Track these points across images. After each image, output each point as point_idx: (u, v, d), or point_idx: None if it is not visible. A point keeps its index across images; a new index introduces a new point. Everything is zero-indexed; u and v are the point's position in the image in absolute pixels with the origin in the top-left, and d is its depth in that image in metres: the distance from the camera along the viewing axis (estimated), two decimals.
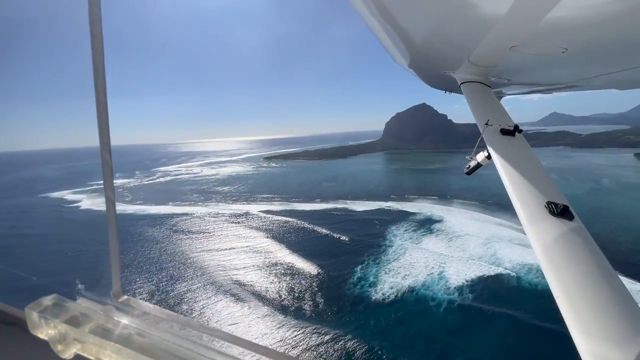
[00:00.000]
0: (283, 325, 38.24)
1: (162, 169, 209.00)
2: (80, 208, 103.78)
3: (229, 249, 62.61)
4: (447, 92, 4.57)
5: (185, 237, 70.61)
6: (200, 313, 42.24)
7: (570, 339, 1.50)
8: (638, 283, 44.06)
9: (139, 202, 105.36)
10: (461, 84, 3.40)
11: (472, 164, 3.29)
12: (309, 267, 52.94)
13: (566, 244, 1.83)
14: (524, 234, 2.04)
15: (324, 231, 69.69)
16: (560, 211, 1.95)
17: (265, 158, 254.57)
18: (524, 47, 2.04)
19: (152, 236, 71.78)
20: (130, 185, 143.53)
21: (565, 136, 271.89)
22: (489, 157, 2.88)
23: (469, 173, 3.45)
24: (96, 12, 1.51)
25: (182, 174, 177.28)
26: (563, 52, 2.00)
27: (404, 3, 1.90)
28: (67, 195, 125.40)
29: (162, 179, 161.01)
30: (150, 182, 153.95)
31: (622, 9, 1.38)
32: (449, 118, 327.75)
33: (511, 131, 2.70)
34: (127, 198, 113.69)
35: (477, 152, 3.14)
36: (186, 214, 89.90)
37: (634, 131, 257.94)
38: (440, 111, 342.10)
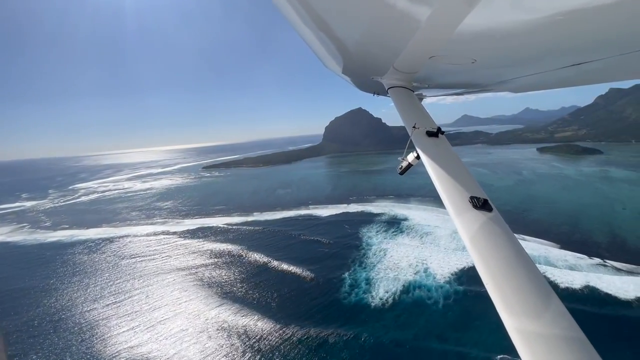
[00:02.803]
0: (290, 338, 34.80)
1: (82, 185, 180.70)
2: None
3: (197, 266, 55.69)
4: (376, 95, 4.84)
5: (137, 260, 60.89)
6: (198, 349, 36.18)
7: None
8: (584, 256, 51.05)
9: (63, 226, 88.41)
10: (388, 88, 3.67)
11: (404, 164, 3.40)
12: (300, 274, 50.54)
13: (489, 234, 2.01)
14: None
15: (299, 239, 66.89)
16: (481, 204, 2.16)
17: (204, 167, 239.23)
18: (440, 57, 2.32)
19: (96, 264, 60.45)
20: (45, 207, 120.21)
21: (480, 135, 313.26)
22: (418, 157, 3.05)
23: (401, 173, 3.53)
24: None
25: (109, 190, 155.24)
26: (472, 63, 2.34)
27: (336, 13, 2.03)
28: None
29: (85, 198, 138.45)
30: (71, 201, 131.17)
31: (516, 27, 1.65)
32: (383, 121, 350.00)
33: (435, 133, 2.94)
34: (46, 223, 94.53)
35: (407, 153, 3.32)
36: (128, 235, 78.39)
37: (528, 130, 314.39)
38: (374, 115, 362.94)
